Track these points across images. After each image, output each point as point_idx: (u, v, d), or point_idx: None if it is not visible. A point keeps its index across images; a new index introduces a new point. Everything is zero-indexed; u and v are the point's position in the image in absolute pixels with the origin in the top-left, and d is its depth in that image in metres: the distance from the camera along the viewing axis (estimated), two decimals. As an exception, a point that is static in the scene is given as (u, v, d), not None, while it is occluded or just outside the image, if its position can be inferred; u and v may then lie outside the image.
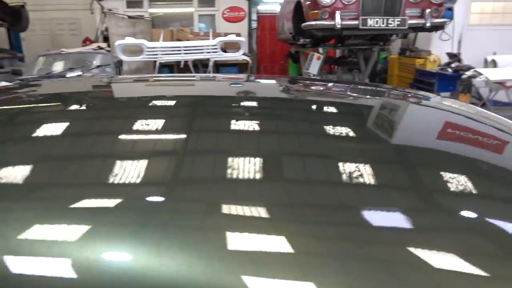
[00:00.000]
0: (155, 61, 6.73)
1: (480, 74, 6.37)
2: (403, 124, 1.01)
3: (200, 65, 7.62)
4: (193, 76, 1.73)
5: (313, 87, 1.43)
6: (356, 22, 5.33)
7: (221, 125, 0.89)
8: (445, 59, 7.71)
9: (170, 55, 6.27)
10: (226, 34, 7.12)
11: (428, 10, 5.41)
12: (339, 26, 5.27)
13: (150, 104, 1.07)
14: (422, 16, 5.48)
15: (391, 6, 5.38)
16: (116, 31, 7.17)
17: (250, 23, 10.37)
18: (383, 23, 5.34)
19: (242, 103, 1.11)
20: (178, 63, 7.17)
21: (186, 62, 7.09)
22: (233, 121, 0.90)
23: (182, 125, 0.91)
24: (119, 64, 5.85)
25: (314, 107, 1.14)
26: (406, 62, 8.32)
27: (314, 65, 6.17)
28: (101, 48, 7.23)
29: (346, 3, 5.33)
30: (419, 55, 8.14)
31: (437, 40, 8.05)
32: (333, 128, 0.90)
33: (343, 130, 0.89)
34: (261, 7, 10.58)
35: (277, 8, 9.09)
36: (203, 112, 0.99)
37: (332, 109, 1.11)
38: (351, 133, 0.87)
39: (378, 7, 5.36)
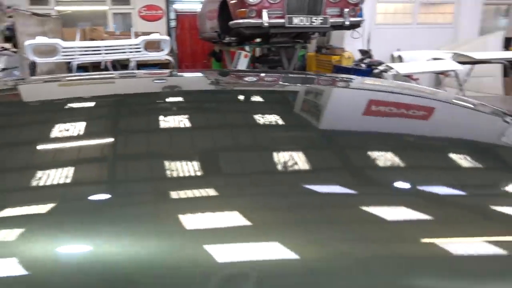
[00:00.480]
0: (69, 63, 6.24)
1: (391, 68, 6.95)
2: (341, 101, 1.15)
3: (119, 66, 7.23)
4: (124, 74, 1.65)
5: (247, 78, 1.45)
6: (282, 20, 5.46)
7: (152, 117, 0.89)
8: (358, 56, 8.27)
9: (89, 56, 5.85)
10: (145, 34, 6.83)
11: (346, 10, 5.75)
12: (266, 24, 5.36)
13: (73, 105, 1.01)
14: (341, 15, 5.80)
15: (313, 6, 5.61)
16: (24, 30, 6.49)
17: (168, 22, 10.08)
18: (307, 22, 5.55)
19: (171, 98, 1.09)
20: (96, 64, 6.73)
21: (104, 63, 6.68)
22: (163, 115, 0.89)
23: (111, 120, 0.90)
24: (33, 66, 5.29)
25: (253, 96, 1.18)
26: (323, 59, 8.77)
27: (242, 63, 6.21)
28: (6, 49, 6.49)
29: (272, 2, 5.43)
30: (334, 52, 8.63)
31: (349, 38, 8.59)
32: (272, 107, 1.01)
33: (282, 108, 1.01)
34: (179, 6, 10.34)
35: (196, 7, 8.98)
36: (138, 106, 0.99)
37: (270, 95, 1.19)
38: (291, 113, 0.98)
39: (301, 6, 5.56)
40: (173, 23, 10.30)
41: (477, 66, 5.77)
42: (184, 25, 10.17)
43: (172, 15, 10.26)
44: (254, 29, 5.52)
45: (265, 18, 5.34)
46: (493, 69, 6.95)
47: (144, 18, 9.86)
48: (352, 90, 1.33)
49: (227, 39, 6.58)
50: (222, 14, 6.16)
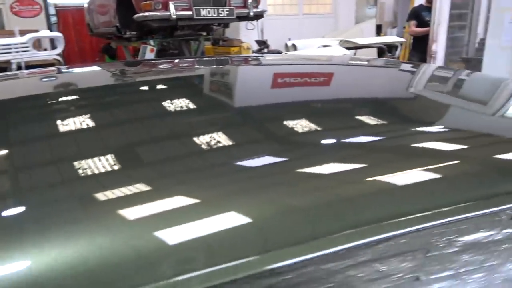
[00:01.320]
0: None
1: (290, 56, 7.36)
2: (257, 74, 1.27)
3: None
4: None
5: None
6: (190, 12, 5.34)
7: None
8: (255, 46, 8.52)
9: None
10: (22, 32, 6.05)
11: (250, 1, 5.87)
12: (174, 16, 5.18)
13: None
14: (245, 6, 5.90)
15: (218, -3, 5.61)
16: None
17: (48, 18, 9.03)
18: (214, 13, 5.51)
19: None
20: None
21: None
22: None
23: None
24: None
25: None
26: (222, 50, 8.81)
27: (148, 58, 5.93)
28: None
29: (177, -7, 5.29)
30: (232, 44, 8.74)
31: (244, 29, 8.80)
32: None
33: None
34: (59, 0, 9.34)
35: (79, 1, 8.22)
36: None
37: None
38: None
39: (207, -3, 5.52)
40: (54, 19, 9.27)
41: (359, 50, 6.46)
42: (67, 21, 9.23)
43: (52, 10, 9.23)
44: (162, 22, 5.29)
45: (173, 10, 5.16)
46: (371, 53, 7.83)
47: (17, 14, 8.66)
48: (261, 66, 1.42)
49: (127, 34, 6.20)
50: (121, 7, 5.77)
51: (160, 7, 5.16)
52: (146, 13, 5.18)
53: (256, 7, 6.06)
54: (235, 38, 8.92)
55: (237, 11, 5.73)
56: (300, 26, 9.91)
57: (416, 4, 5.88)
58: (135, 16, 5.32)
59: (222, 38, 9.12)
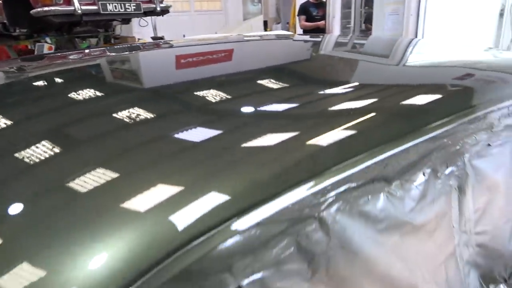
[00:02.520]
0: None
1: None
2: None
3: None
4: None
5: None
6: (95, 7, 4.95)
7: None
8: (151, 43, 8.26)
9: None
10: None
11: (155, -5, 5.69)
12: (79, 11, 4.75)
13: None
14: (151, 1, 5.70)
15: (122, -9, 5.30)
16: None
17: None
18: (121, 8, 5.20)
19: None
20: None
21: None
22: None
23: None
24: None
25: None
26: (116, 49, 8.31)
27: (46, 59, 5.31)
28: None
29: (79, -13, 4.84)
30: (126, 41, 8.32)
31: (137, 26, 8.44)
32: None
33: None
34: None
35: None
36: None
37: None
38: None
39: (111, -9, 5.17)
40: None
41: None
42: None
43: None
44: (65, 17, 4.79)
45: (77, 5, 4.72)
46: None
47: None
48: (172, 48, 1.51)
49: (17, 32, 5.46)
50: (9, 3, 5.05)
51: (61, 1, 4.68)
52: (47, 8, 4.65)
53: (162, 2, 5.91)
54: (128, 35, 8.49)
55: (144, 6, 5.51)
56: (192, 23, 9.89)
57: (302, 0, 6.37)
58: (33, 11, 4.70)
59: (114, 36, 8.58)
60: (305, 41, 1.66)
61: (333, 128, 0.58)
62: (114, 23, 6.44)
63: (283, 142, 0.55)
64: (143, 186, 0.42)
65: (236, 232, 0.42)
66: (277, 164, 0.50)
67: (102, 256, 0.34)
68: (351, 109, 0.67)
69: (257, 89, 0.82)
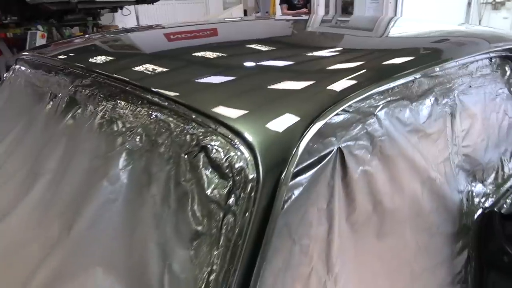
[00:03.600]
0: None
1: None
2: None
3: None
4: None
5: None
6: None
7: None
8: (135, 32, 8.34)
9: None
10: None
11: (145, -17, 5.84)
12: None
13: None
14: (141, -11, 5.86)
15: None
16: None
17: None
18: (114, -4, 5.37)
19: None
20: None
21: None
22: None
23: None
24: None
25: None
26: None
27: (40, 44, 5.41)
28: None
29: (73, -26, 4.97)
30: (109, 29, 8.39)
31: (120, 15, 8.52)
32: None
33: None
34: None
35: None
36: None
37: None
38: None
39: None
40: None
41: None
42: None
43: None
44: (61, 4, 4.93)
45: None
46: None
47: None
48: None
49: (8, 20, 5.51)
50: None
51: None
52: (43, -5, 4.76)
53: (151, -11, 6.07)
54: (111, 24, 8.55)
55: (135, -7, 5.67)
56: (173, 12, 10.00)
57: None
58: (30, -1, 4.82)
59: (96, 24, 8.62)
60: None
61: (381, 63, 0.91)
62: (103, 11, 6.54)
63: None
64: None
65: (338, 114, 0.74)
66: (358, 79, 0.82)
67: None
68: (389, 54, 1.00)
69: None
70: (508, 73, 1.33)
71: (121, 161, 0.65)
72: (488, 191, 1.18)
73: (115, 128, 0.71)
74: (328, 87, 0.74)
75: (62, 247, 0.63)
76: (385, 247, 0.89)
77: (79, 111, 0.81)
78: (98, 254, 0.61)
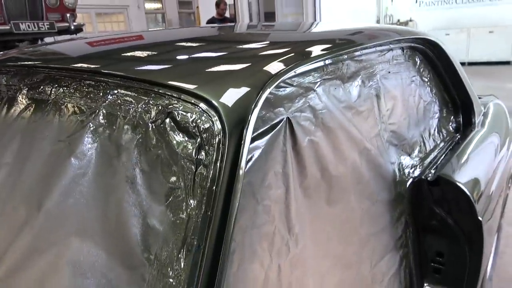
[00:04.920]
0: None
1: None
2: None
3: None
4: None
5: None
6: (7, 27, 4.88)
7: None
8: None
9: None
10: None
11: (68, 14, 5.72)
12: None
13: None
14: (63, 19, 5.71)
15: (33, 10, 5.26)
16: None
17: None
18: (35, 27, 5.17)
19: None
20: None
21: None
22: None
23: None
24: None
25: None
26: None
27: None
28: None
29: (-14, 6, 4.73)
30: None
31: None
32: None
33: None
34: None
35: None
36: None
37: None
38: None
39: (21, 11, 5.11)
40: None
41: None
42: None
43: None
44: (-24, 37, 4.64)
45: (-11, 25, 4.63)
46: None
47: None
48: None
49: None
50: None
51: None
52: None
53: (74, 20, 5.95)
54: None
55: (58, 24, 5.52)
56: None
57: (203, 20, 6.88)
58: None
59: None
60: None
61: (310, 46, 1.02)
62: (21, 44, 6.25)
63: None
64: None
65: (283, 86, 0.83)
66: (295, 57, 0.92)
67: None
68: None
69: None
70: (418, 63, 1.53)
71: (87, 140, 0.68)
72: (415, 163, 1.34)
73: (76, 113, 0.73)
74: (269, 64, 0.84)
75: (32, 226, 0.63)
76: (335, 213, 0.98)
77: (32, 106, 0.82)
78: (72, 225, 0.62)
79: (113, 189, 0.62)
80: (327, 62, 0.97)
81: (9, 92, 0.88)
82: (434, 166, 1.36)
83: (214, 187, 0.56)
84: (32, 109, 0.82)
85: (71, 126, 0.72)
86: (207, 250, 0.53)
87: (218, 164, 0.58)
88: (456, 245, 1.29)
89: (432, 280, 1.32)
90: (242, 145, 0.60)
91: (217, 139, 0.59)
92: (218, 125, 0.60)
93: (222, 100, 0.64)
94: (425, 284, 1.31)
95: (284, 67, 0.79)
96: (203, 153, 0.59)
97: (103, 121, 0.69)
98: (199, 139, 0.60)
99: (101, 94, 0.71)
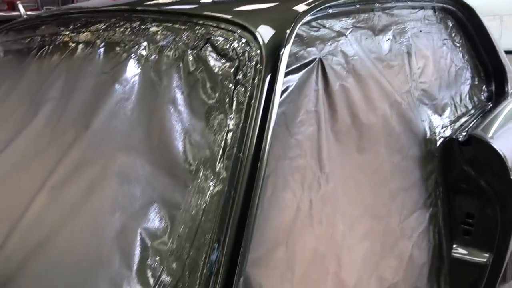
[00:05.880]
0: None
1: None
2: None
3: None
4: None
5: None
6: (41, 11, 5.05)
7: None
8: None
9: None
10: None
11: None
12: (26, 16, 4.82)
13: None
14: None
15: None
16: None
17: None
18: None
19: None
20: None
21: None
22: None
23: None
24: None
25: None
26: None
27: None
28: None
29: (22, -7, 4.91)
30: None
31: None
32: None
33: None
34: None
35: None
36: None
37: None
38: None
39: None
40: None
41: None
42: None
43: None
44: (11, 23, 4.83)
45: (23, 11, 4.79)
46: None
47: None
48: None
49: None
50: None
51: (6, 7, 4.73)
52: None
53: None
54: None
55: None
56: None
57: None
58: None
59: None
60: None
61: None
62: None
63: None
64: None
65: (315, 27, 0.84)
66: None
67: None
68: None
69: None
70: (450, 26, 1.50)
71: (130, 68, 0.71)
72: (446, 123, 1.33)
73: (118, 48, 0.77)
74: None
75: (80, 143, 0.67)
76: (365, 162, 0.99)
77: (77, 47, 0.86)
78: (118, 142, 0.65)
79: (156, 109, 0.65)
80: (359, 7, 0.97)
81: (54, 37, 0.93)
82: (465, 129, 1.34)
83: (252, 102, 0.58)
84: (76, 50, 0.86)
85: (115, 59, 0.76)
86: (246, 158, 0.55)
87: (255, 82, 0.60)
88: (487, 206, 1.27)
89: (462, 241, 1.30)
90: (278, 67, 0.62)
91: (254, 61, 0.61)
92: (255, 49, 0.63)
93: (259, 26, 0.66)
94: (454, 245, 1.30)
95: (318, 2, 0.81)
96: (241, 74, 0.62)
97: (145, 52, 0.72)
98: (237, 62, 0.62)
99: (142, 28, 0.75)
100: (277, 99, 0.61)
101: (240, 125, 0.58)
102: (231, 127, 0.58)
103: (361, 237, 0.95)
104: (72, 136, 0.69)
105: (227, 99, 0.61)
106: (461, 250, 1.28)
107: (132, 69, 0.71)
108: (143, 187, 0.59)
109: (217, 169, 0.57)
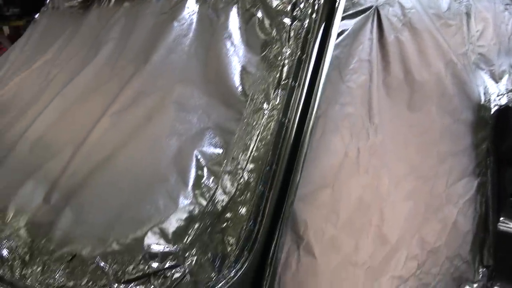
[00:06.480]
0: None
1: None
2: None
3: None
4: None
5: None
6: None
7: None
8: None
9: None
10: None
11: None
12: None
13: None
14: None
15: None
16: None
17: None
18: None
19: None
20: None
21: None
22: None
23: None
24: None
25: None
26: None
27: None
28: None
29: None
30: None
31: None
32: None
33: None
34: None
35: None
36: None
37: None
38: None
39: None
40: None
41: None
42: None
43: None
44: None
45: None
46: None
47: None
48: None
49: (10, 12, 5.54)
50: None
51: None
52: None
53: None
54: None
55: None
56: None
57: None
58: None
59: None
60: None
61: None
62: None
63: None
64: None
65: None
66: None
67: None
68: None
69: None
70: (513, -9, 1.41)
71: (188, 7, 0.73)
72: (502, 91, 1.26)
73: None
74: None
75: (140, 76, 0.71)
76: (415, 120, 0.96)
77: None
78: (176, 74, 0.68)
79: (213, 44, 0.66)
80: None
81: None
82: None
83: (308, 36, 0.58)
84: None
85: (174, 0, 0.78)
86: (301, 87, 0.55)
87: (313, 17, 0.60)
88: (541, 180, 1.21)
89: (510, 214, 1.26)
90: (336, 5, 0.62)
91: None
92: None
93: None
94: (502, 218, 1.26)
95: None
96: (298, 9, 0.62)
97: None
98: None
99: None
100: (333, 37, 0.61)
101: (296, 57, 0.58)
102: (287, 59, 0.59)
103: (406, 196, 0.94)
104: (131, 70, 0.72)
105: (284, 34, 0.61)
106: (508, 223, 1.23)
107: (190, 8, 0.73)
108: (199, 115, 0.61)
109: (272, 98, 0.58)
